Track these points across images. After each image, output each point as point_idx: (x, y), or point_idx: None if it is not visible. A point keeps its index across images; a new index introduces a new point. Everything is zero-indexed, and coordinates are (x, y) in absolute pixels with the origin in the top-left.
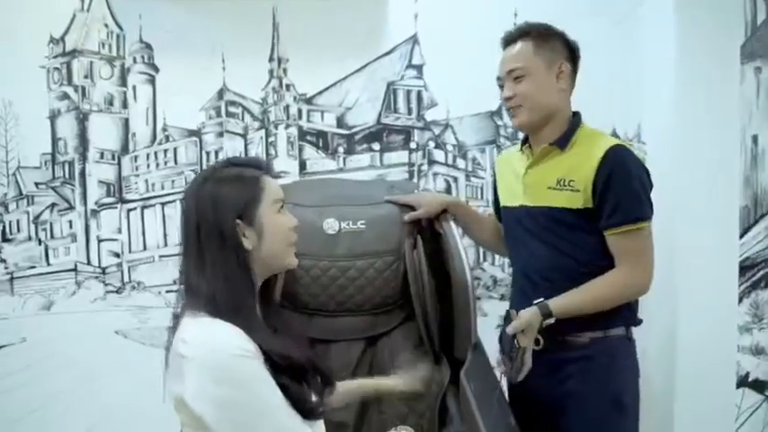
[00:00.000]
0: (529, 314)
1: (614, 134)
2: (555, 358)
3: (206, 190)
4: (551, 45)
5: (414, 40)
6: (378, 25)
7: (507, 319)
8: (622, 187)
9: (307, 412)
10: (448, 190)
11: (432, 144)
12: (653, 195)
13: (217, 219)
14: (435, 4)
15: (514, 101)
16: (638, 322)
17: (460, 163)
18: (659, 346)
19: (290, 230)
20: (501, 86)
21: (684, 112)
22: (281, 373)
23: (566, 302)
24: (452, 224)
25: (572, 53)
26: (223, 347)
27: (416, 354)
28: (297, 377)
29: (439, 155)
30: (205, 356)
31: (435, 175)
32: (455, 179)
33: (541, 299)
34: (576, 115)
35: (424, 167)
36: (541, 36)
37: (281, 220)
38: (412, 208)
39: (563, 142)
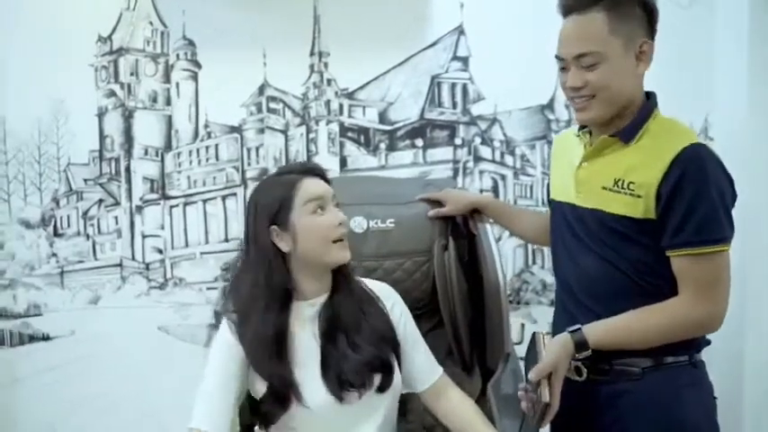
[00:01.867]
0: (556, 353)
1: None
2: (600, 391)
3: (251, 197)
4: (630, 16)
5: (459, 30)
6: (421, 16)
7: (533, 342)
8: (696, 198)
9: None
10: (495, 188)
11: (478, 140)
12: None
13: (254, 226)
14: None
15: (585, 91)
16: (704, 345)
17: (508, 160)
18: (725, 372)
19: (330, 228)
20: (562, 69)
21: (758, 105)
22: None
23: (608, 332)
24: (488, 225)
25: (651, 22)
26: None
27: (448, 362)
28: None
29: (485, 151)
30: None
31: (482, 172)
32: (503, 177)
33: (578, 326)
34: (651, 98)
35: (470, 165)
36: (615, 4)
37: (315, 221)
38: (441, 205)
39: (628, 134)
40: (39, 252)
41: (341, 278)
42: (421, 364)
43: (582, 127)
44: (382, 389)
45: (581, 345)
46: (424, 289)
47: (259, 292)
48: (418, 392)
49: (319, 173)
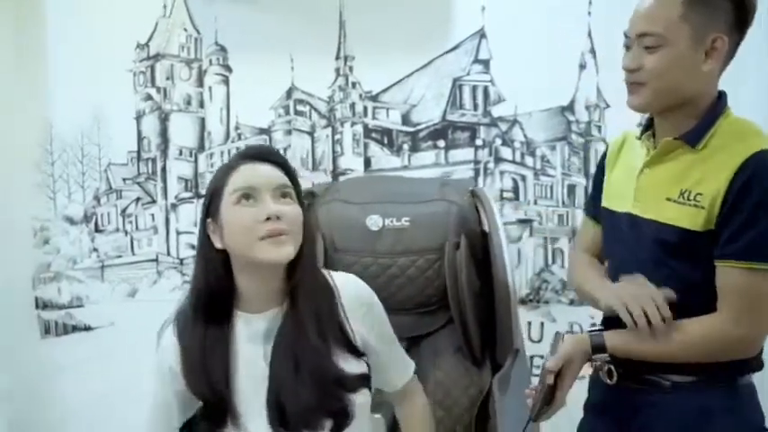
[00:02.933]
0: (571, 348)
1: None
2: (630, 398)
3: None
4: (710, 6)
5: (480, 34)
6: (443, 20)
7: (555, 340)
8: (758, 208)
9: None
10: (515, 189)
11: (498, 141)
12: None
13: (200, 222)
14: None
15: (637, 76)
16: (754, 367)
17: (529, 161)
18: None
19: (254, 222)
20: (626, 47)
21: None
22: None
23: (630, 341)
24: (498, 222)
25: (740, 18)
26: None
27: (458, 357)
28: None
29: (506, 152)
30: None
31: (502, 173)
32: (523, 177)
33: (599, 328)
34: (721, 98)
35: (491, 165)
36: None
37: (237, 212)
38: None
39: (694, 137)
40: (81, 247)
41: (298, 290)
42: (391, 371)
43: (645, 130)
44: (337, 430)
45: (598, 347)
46: (436, 286)
47: (196, 295)
48: (384, 391)
49: (268, 159)
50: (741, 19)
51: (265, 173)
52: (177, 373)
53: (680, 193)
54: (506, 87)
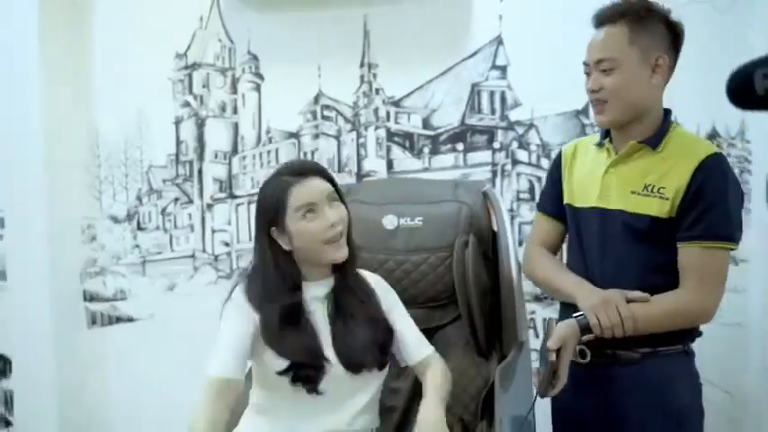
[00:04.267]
0: (564, 330)
1: (713, 132)
2: (603, 373)
3: (259, 194)
4: (650, 32)
5: (498, 41)
6: (463, 28)
7: (548, 327)
8: (715, 199)
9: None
10: (531, 190)
11: (515, 144)
12: (755, 206)
13: (258, 223)
14: (520, 3)
15: (600, 95)
16: (696, 335)
17: (544, 163)
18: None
19: (321, 231)
20: (587, 74)
21: None
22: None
23: None
24: (507, 221)
25: (675, 40)
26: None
27: (467, 349)
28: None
29: (522, 155)
30: None
31: (519, 175)
32: (539, 179)
33: (582, 313)
34: (668, 112)
35: (508, 167)
36: (640, 20)
37: (306, 227)
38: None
39: (655, 141)
40: (124, 244)
41: (343, 270)
42: (410, 344)
43: (604, 136)
44: (381, 366)
45: (585, 328)
46: (446, 282)
47: (272, 281)
48: (410, 365)
49: (314, 172)
50: (675, 41)
51: (318, 187)
52: (254, 325)
53: (644, 187)
54: (523, 92)
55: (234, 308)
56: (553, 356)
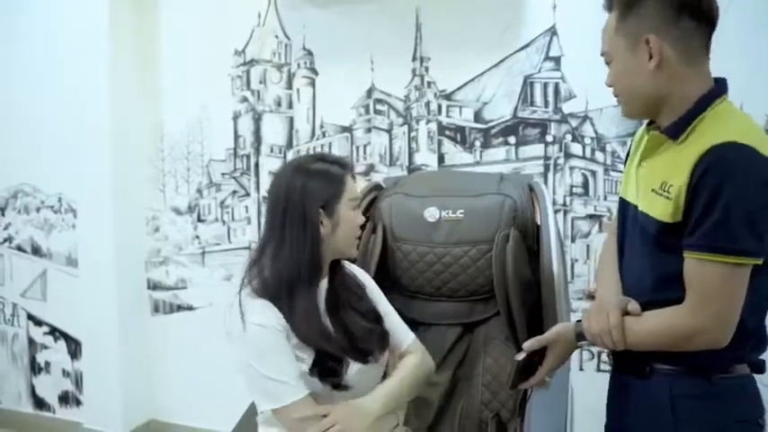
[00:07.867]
0: (557, 331)
1: None
2: (617, 383)
3: (297, 179)
4: (638, 15)
5: (552, 31)
6: (515, 19)
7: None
8: (711, 201)
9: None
10: (585, 184)
11: (569, 137)
12: None
13: (304, 205)
14: None
15: (612, 89)
16: (757, 366)
17: (599, 156)
18: None
19: (358, 226)
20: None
21: None
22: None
23: None
24: (550, 212)
25: (677, 12)
26: (251, 319)
27: (507, 344)
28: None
29: (576, 148)
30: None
31: (572, 168)
32: (593, 173)
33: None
34: (710, 94)
35: (561, 161)
36: (628, 4)
37: (354, 217)
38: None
39: (675, 131)
40: (186, 235)
41: (340, 262)
42: (399, 332)
43: (649, 124)
44: (383, 348)
45: (580, 335)
46: (487, 275)
47: (304, 268)
48: (399, 353)
49: (353, 171)
50: (677, 12)
51: (357, 186)
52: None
53: (660, 185)
54: (577, 84)
55: (273, 327)
56: (520, 356)
